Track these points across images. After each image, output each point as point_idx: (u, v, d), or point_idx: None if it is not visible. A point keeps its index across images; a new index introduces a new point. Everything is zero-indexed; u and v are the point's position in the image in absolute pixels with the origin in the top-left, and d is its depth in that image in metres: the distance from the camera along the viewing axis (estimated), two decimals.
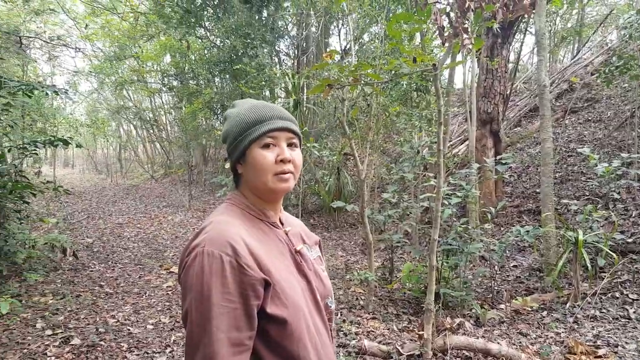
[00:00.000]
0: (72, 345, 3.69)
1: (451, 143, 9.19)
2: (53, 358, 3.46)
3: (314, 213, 9.60)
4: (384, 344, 3.66)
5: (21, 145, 5.03)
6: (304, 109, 8.60)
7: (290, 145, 1.10)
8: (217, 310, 0.89)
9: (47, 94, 4.95)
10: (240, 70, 8.51)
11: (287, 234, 1.14)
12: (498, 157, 4.63)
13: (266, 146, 1.06)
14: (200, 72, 11.75)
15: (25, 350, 3.55)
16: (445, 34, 2.68)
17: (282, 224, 1.16)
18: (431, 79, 4.81)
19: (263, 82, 8.48)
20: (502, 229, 6.45)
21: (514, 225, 5.14)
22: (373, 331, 4.05)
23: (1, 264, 4.69)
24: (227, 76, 11.56)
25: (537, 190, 7.08)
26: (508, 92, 7.25)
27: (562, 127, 8.87)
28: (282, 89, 10.14)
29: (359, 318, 4.36)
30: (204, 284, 0.90)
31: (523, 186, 7.66)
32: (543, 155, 5.30)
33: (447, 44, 2.74)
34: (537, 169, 7.64)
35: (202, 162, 16.56)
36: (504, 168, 4.48)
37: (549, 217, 5.09)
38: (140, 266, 6.38)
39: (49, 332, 3.92)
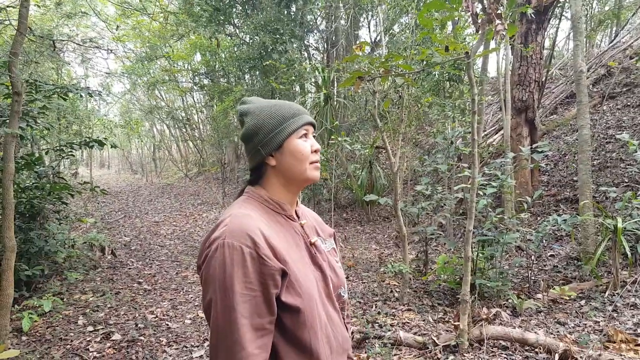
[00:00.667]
0: (113, 340, 3.84)
1: (485, 133, 9.02)
2: (95, 353, 3.59)
3: (347, 207, 9.63)
4: (419, 335, 3.67)
5: (58, 147, 5.23)
6: (335, 103, 8.62)
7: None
8: (239, 299, 0.94)
9: (81, 96, 5.14)
10: (270, 66, 8.60)
11: (302, 227, 1.18)
12: (534, 146, 4.52)
13: (303, 137, 1.14)
14: (230, 69, 11.92)
15: (68, 346, 3.71)
16: (479, 21, 2.65)
17: (298, 217, 1.20)
18: (464, 68, 4.75)
19: (293, 78, 8.54)
20: (538, 218, 6.32)
21: (550, 215, 5.03)
22: (408, 322, 4.06)
23: (43, 264, 4.87)
24: (257, 73, 11.68)
25: (575, 179, 6.89)
26: (543, 79, 7.04)
27: (599, 113, 8.55)
28: (312, 84, 10.19)
29: (393, 310, 4.38)
30: (226, 274, 0.94)
31: (560, 174, 7.45)
32: (580, 143, 5.15)
33: (480, 31, 2.71)
34: (574, 156, 7.42)
35: (234, 159, 16.82)
36: (540, 156, 4.39)
37: (586, 205, 4.96)
38: (177, 263, 6.56)
39: (90, 328, 4.08)
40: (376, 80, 3.60)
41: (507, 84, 6.41)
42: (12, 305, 3.31)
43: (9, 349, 2.22)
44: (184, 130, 20.03)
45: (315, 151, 1.15)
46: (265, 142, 1.13)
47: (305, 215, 1.26)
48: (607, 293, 4.22)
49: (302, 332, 1.01)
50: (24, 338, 3.79)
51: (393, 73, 3.16)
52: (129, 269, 6.17)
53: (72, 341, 3.81)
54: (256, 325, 0.95)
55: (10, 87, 3.52)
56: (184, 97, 18.72)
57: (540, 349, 3.23)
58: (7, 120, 3.64)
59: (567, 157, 7.80)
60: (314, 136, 1.19)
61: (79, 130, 12.50)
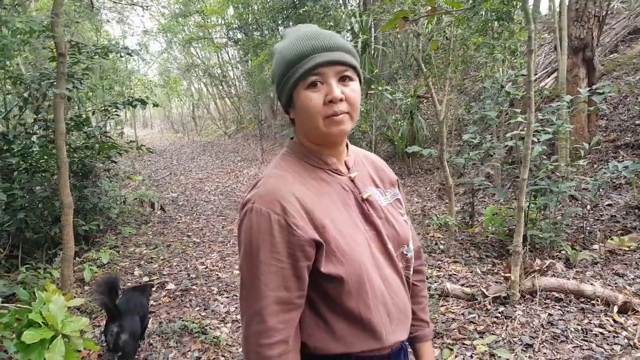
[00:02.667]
0: (168, 290, 4.05)
1: (537, 76, 8.46)
2: (152, 302, 3.77)
3: (387, 160, 9.46)
4: (467, 287, 3.62)
5: (103, 108, 5.37)
6: (373, 51, 8.28)
7: (343, 79, 0.93)
8: (265, 269, 0.87)
9: (121, 55, 5.17)
10: (305, 14, 8.30)
11: (352, 181, 1.03)
12: (593, 87, 4.17)
13: (312, 85, 0.91)
14: (264, 21, 11.68)
15: None
16: None
17: (348, 168, 1.05)
18: (515, 4, 4.37)
19: (330, 24, 8.21)
20: (594, 166, 5.97)
21: (608, 162, 4.70)
22: (455, 274, 4.01)
23: (98, 219, 5.14)
24: (291, 23, 11.38)
25: (637, 122, 6.41)
26: (604, 14, 6.43)
27: None
28: (349, 31, 9.82)
29: (439, 262, 4.33)
30: (252, 241, 0.88)
31: (620, 118, 6.94)
32: None
33: None
34: (637, 98, 6.87)
35: (271, 115, 16.79)
36: (600, 98, 4.05)
37: None
38: (222, 217, 6.76)
39: (145, 278, 4.31)
40: (421, 21, 3.37)
41: (564, 20, 5.88)
42: (73, 257, 3.51)
43: (75, 297, 2.35)
44: (221, 87, 20.10)
45: (332, 101, 0.90)
46: (279, 93, 0.99)
47: (360, 163, 1.10)
48: None
49: (349, 302, 0.92)
50: (86, 287, 4.05)
51: (440, 11, 2.93)
52: (178, 223, 6.41)
53: None
54: (283, 298, 0.88)
55: (54, 50, 3.56)
56: (219, 53, 18.63)
57: (597, 300, 3.10)
58: (55, 83, 3.71)
59: (628, 99, 7.23)
60: (345, 76, 0.93)
61: (121, 91, 12.78)
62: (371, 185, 1.07)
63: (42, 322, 1.51)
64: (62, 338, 1.52)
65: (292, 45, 0.94)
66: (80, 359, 1.63)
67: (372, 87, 5.76)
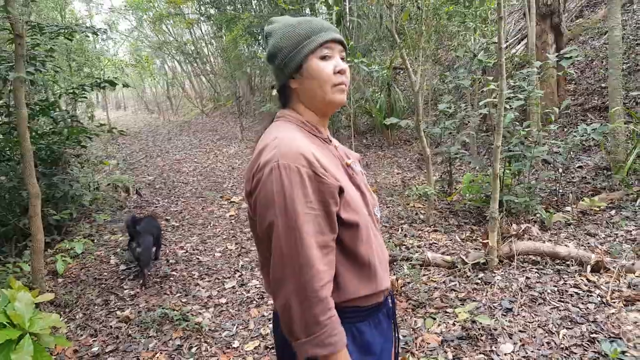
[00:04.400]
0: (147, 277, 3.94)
1: (508, 43, 8.46)
2: (129, 291, 3.73)
3: (366, 133, 9.46)
4: (447, 255, 3.69)
5: (70, 91, 5.11)
6: (348, 23, 8.13)
7: (341, 59, 1.12)
8: (303, 219, 0.94)
9: (87, 35, 4.94)
10: None
11: (337, 149, 1.18)
12: (561, 52, 4.20)
13: (323, 57, 1.08)
14: None
15: (103, 285, 3.85)
16: None
17: (330, 140, 1.19)
18: None
19: None
20: (564, 129, 6.07)
21: (578, 125, 4.79)
22: (435, 243, 4.08)
23: (70, 207, 4.92)
24: None
25: (603, 85, 6.51)
26: None
27: (629, 14, 7.86)
28: (323, 3, 9.58)
29: (420, 232, 4.39)
30: (286, 196, 0.94)
31: (587, 82, 7.04)
32: (611, 45, 4.79)
33: None
34: (602, 62, 6.96)
35: (248, 91, 16.48)
36: (568, 63, 4.08)
37: (617, 112, 4.73)
38: (202, 199, 6.63)
39: (122, 267, 4.22)
40: None
41: None
42: (45, 249, 3.39)
43: (47, 291, 2.29)
44: (195, 65, 19.57)
45: (340, 72, 1.08)
46: (286, 62, 1.09)
47: (332, 139, 1.24)
48: (638, 202, 4.13)
49: (360, 247, 1.04)
50: (60, 280, 3.93)
51: None
52: (155, 207, 6.28)
53: (106, 280, 3.95)
54: (321, 243, 0.97)
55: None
56: (191, 29, 18.06)
57: (571, 261, 3.21)
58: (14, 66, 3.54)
59: (594, 63, 7.32)
60: (342, 57, 1.12)
61: (91, 72, 12.30)
62: (345, 157, 1.20)
63: (7, 322, 1.46)
64: (30, 337, 1.47)
65: (301, 23, 1.09)
66: (52, 357, 1.58)
67: (349, 59, 5.68)
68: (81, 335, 3.05)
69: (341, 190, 1.01)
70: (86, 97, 5.27)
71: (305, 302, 0.94)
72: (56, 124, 4.94)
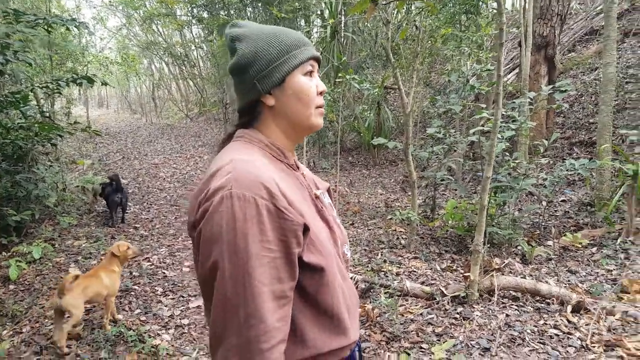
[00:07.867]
0: None
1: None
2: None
3: (353, 150, 9.36)
4: (426, 285, 3.55)
5: (44, 85, 4.80)
6: (342, 38, 8.06)
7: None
8: (256, 262, 0.76)
9: (68, 28, 4.69)
10: None
11: (304, 177, 1.02)
12: (553, 85, 4.18)
13: (308, 74, 0.95)
14: (230, 0, 11.19)
15: None
16: None
17: (297, 167, 1.03)
18: None
19: (297, 4, 7.81)
20: (550, 162, 6.07)
21: (564, 159, 4.76)
22: (415, 271, 3.95)
23: (33, 208, 4.61)
24: (260, 4, 10.97)
25: (591, 121, 6.56)
26: (566, 12, 6.49)
27: (621, 51, 8.01)
28: (318, 15, 9.51)
29: (400, 258, 4.26)
30: (237, 232, 0.76)
31: (575, 116, 7.09)
32: (604, 82, 4.79)
33: None
34: (592, 97, 7.03)
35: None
36: (561, 96, 4.06)
37: (606, 149, 4.71)
38: (176, 207, 6.35)
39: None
40: (390, 7, 3.21)
41: (529, 17, 5.88)
42: None
43: None
44: (183, 67, 19.32)
45: (321, 93, 0.96)
46: (264, 74, 0.92)
47: (301, 166, 1.07)
48: (619, 240, 4.09)
49: (324, 294, 0.87)
50: (11, 287, 3.63)
51: None
52: (125, 213, 5.98)
53: None
54: (277, 292, 0.78)
55: None
56: (181, 31, 17.85)
57: (552, 300, 3.11)
58: None
59: (583, 98, 7.40)
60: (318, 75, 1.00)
61: (74, 68, 11.94)
62: (315, 187, 1.05)
63: None
64: None
65: (285, 32, 0.95)
66: None
67: (340, 75, 5.58)
68: (25, 352, 2.78)
69: (306, 228, 0.83)
70: (61, 93, 4.96)
71: None
72: (26, 119, 4.65)
